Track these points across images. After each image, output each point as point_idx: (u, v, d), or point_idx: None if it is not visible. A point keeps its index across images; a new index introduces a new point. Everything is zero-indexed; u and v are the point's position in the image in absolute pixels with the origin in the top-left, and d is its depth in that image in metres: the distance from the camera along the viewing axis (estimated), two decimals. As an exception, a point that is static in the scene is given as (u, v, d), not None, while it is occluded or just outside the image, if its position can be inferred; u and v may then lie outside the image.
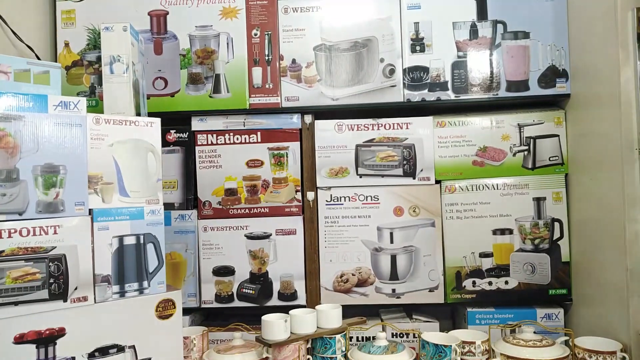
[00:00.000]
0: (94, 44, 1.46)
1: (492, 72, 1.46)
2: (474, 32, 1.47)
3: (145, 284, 1.12)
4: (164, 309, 1.13)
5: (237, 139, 1.48)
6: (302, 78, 1.46)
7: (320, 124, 1.49)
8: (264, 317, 1.19)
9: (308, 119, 1.49)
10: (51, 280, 0.99)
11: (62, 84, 1.16)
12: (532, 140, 1.47)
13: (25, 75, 1.08)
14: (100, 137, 1.09)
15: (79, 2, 1.47)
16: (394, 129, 1.49)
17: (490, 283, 1.47)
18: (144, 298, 1.11)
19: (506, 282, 1.46)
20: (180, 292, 1.17)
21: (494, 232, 1.47)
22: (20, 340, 0.96)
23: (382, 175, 1.48)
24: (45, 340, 0.98)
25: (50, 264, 0.99)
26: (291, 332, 1.19)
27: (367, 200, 1.48)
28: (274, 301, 1.47)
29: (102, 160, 1.09)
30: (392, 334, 1.43)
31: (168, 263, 1.26)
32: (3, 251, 0.95)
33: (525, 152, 1.48)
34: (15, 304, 0.96)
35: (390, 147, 1.48)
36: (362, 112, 1.51)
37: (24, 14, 1.38)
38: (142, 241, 1.12)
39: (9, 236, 0.96)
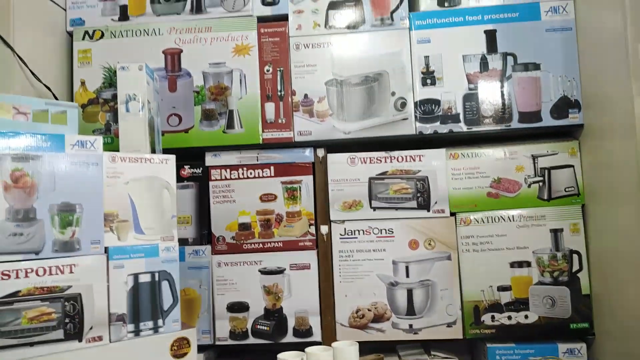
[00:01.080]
0: (109, 82, 1.48)
1: (504, 104, 1.46)
2: (484, 64, 1.48)
3: (160, 322, 1.11)
4: (179, 348, 1.11)
5: (251, 173, 1.48)
6: (315, 112, 1.48)
7: (332, 158, 1.49)
8: (280, 356, 1.16)
9: (321, 152, 1.50)
10: (67, 320, 0.98)
11: (78, 122, 1.17)
12: (546, 171, 1.46)
13: (43, 116, 1.10)
14: (116, 175, 1.10)
15: (95, 42, 1.51)
16: (406, 161, 1.48)
17: (509, 317, 1.43)
18: (158, 337, 1.09)
19: (526, 317, 1.43)
20: (194, 330, 1.15)
21: (512, 264, 1.45)
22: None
23: (396, 208, 1.47)
24: (60, 382, 0.97)
25: (66, 303, 0.99)
26: (308, 371, 1.17)
27: (381, 233, 1.47)
28: (289, 338, 1.44)
29: (118, 198, 1.09)
30: (410, 371, 1.39)
31: (182, 299, 1.24)
32: (19, 291, 0.95)
33: (540, 183, 1.47)
34: (31, 344, 0.95)
35: (404, 179, 1.48)
36: (374, 145, 1.51)
37: (42, 55, 1.41)
38: (157, 278, 1.11)
39: (26, 276, 0.96)
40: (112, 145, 1.43)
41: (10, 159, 0.98)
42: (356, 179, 1.48)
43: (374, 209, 1.48)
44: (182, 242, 1.44)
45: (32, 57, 1.33)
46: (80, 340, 1.00)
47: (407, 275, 1.45)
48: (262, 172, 1.48)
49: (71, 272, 1.00)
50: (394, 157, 1.49)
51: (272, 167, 1.48)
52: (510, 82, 1.47)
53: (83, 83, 1.49)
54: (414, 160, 1.49)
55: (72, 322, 0.99)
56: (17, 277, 0.95)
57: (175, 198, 1.18)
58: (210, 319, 1.45)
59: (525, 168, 1.47)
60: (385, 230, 1.47)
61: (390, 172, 1.49)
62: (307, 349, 1.20)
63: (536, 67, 1.46)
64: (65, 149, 1.04)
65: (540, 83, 1.46)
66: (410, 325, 1.43)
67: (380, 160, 1.49)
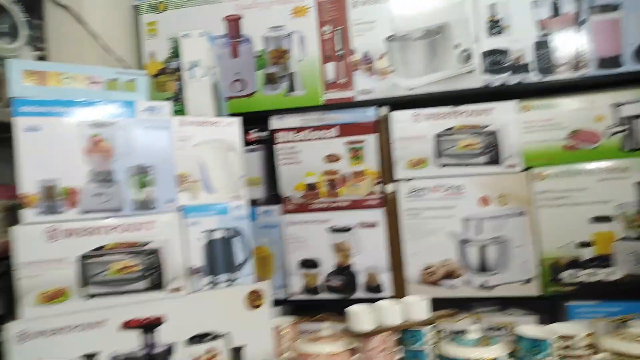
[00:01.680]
0: (176, 52, 1.54)
1: (579, 50, 1.36)
2: (555, 8, 1.38)
3: (234, 275, 1.15)
4: (254, 300, 1.15)
5: (315, 135, 1.49)
6: (375, 70, 1.45)
7: (396, 115, 1.47)
8: (351, 308, 1.18)
9: (383, 111, 1.48)
10: (148, 272, 1.05)
11: (150, 92, 1.23)
12: (630, 119, 1.35)
13: (115, 84, 1.16)
14: (185, 139, 1.15)
15: (160, 14, 1.57)
16: (474, 115, 1.43)
17: (591, 274, 1.36)
18: (234, 289, 1.14)
19: (610, 273, 1.35)
20: (269, 283, 1.19)
21: (593, 220, 1.36)
22: (125, 326, 1.02)
23: (465, 165, 1.42)
24: (147, 327, 1.04)
25: (147, 257, 1.05)
26: (378, 324, 1.17)
27: (450, 190, 1.43)
28: (360, 293, 1.46)
29: (188, 160, 1.14)
30: (485, 328, 1.36)
31: (256, 257, 1.29)
32: (105, 246, 1.02)
33: (623, 133, 1.36)
34: (118, 293, 1.03)
35: (472, 134, 1.42)
36: (439, 100, 1.46)
37: (111, 29, 1.49)
38: (229, 235, 1.16)
39: (110, 232, 1.03)
40: (183, 112, 1.49)
41: (88, 125, 1.05)
42: (421, 136, 1.45)
43: (441, 166, 1.44)
44: (254, 202, 1.50)
45: (103, 31, 1.41)
46: (161, 291, 1.06)
47: (480, 232, 1.41)
48: (326, 133, 1.49)
49: (150, 229, 1.06)
50: (461, 112, 1.44)
51: (335, 128, 1.48)
52: (585, 25, 1.36)
53: (152, 55, 1.56)
54: (482, 114, 1.42)
55: (153, 274, 1.06)
56: (102, 233, 1.03)
57: (242, 159, 1.22)
58: (283, 275, 1.50)
59: (606, 117, 1.37)
60: (454, 187, 1.43)
61: (457, 128, 1.44)
62: (378, 303, 1.21)
63: (614, 7, 1.35)
64: (136, 114, 1.10)
65: (620, 25, 1.34)
66: (484, 282, 1.40)
67: (446, 116, 1.45)
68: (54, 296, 0.99)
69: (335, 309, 1.40)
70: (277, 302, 1.48)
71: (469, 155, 1.43)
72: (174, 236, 1.09)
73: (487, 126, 1.42)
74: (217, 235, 1.14)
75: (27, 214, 0.99)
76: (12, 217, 1.07)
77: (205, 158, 1.17)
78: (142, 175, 1.09)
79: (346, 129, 1.48)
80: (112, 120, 1.07)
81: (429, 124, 1.45)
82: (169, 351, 1.06)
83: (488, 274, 1.40)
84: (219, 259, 1.14)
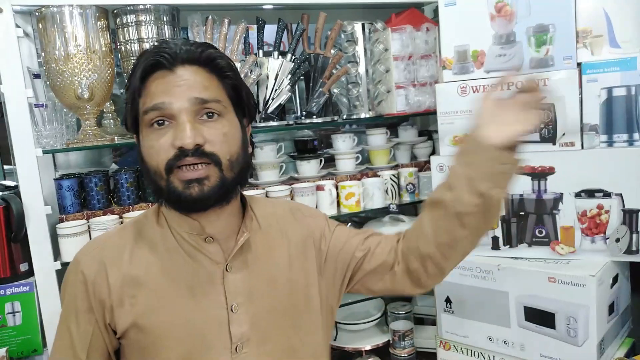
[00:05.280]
0: None
1: None
2: None
3: (635, 135, 1.10)
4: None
5: None
6: None
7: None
8: None
9: None
10: (542, 126, 1.15)
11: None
12: None
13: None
14: (593, -9, 1.11)
15: None
16: None
17: None
18: (633, 150, 1.10)
19: None
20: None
21: None
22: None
23: None
24: (538, 175, 1.17)
25: (541, 111, 1.15)
26: None
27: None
28: None
29: (591, 14, 1.11)
30: None
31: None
32: (504, 100, 1.18)
33: None
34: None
35: None
36: None
37: None
38: (633, 92, 1.09)
39: (508, 88, 1.17)
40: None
41: (496, -7, 1.18)
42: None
43: None
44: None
45: None
46: (554, 144, 1.15)
47: None
48: None
49: (544, 85, 1.14)
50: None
51: None
52: None
53: None
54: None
55: (546, 128, 1.15)
56: (502, 89, 1.18)
57: None
58: None
59: None
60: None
61: None
62: None
63: None
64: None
65: None
66: None
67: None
68: (463, 139, 1.24)
69: None
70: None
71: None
72: (570, 93, 1.13)
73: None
74: (618, 92, 1.10)
75: (446, 74, 1.25)
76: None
77: (612, 9, 1.10)
78: (541, 34, 1.15)
79: None
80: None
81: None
82: (557, 199, 1.16)
83: None
84: (618, 117, 1.10)
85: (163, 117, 0.71)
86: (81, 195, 1.31)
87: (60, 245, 1.21)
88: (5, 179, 1.70)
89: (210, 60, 0.73)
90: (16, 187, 1.22)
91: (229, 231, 0.79)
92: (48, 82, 1.20)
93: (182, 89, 0.70)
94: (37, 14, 1.15)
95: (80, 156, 1.53)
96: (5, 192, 1.20)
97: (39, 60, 1.23)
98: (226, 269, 0.77)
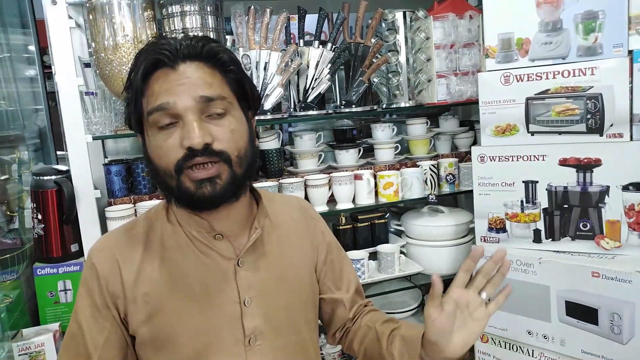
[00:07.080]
0: None
1: None
2: None
3: (690, 127, 1.05)
4: None
5: None
6: None
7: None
8: None
9: None
10: (588, 116, 1.12)
11: None
12: None
13: None
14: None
15: None
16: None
17: None
18: (686, 141, 1.05)
19: None
20: None
21: None
22: (563, 163, 1.15)
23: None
24: (584, 166, 1.14)
25: (588, 101, 1.11)
26: None
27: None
28: None
29: (645, -1, 1.06)
30: None
31: None
32: (549, 90, 1.15)
33: None
34: (559, 133, 1.16)
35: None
36: None
37: None
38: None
39: (554, 77, 1.15)
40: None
41: (543, -22, 1.14)
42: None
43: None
44: None
45: None
46: (601, 135, 1.11)
47: None
48: None
49: (592, 74, 1.10)
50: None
51: None
52: None
53: None
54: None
55: (593, 118, 1.11)
56: (547, 78, 1.15)
57: None
58: None
59: None
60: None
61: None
62: None
63: None
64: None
65: None
66: None
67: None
68: (505, 130, 1.21)
69: None
70: None
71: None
72: (619, 82, 1.08)
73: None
74: (673, 80, 1.05)
75: (489, 63, 1.23)
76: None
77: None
78: (590, 21, 1.11)
79: None
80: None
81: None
82: (604, 192, 1.12)
83: None
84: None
85: (168, 117, 0.69)
86: (128, 180, 1.36)
87: (109, 227, 1.26)
88: (58, 164, 1.78)
89: (212, 55, 0.72)
90: (68, 171, 1.28)
91: (239, 227, 0.79)
92: (98, 71, 1.25)
93: (185, 87, 0.69)
94: (87, 5, 1.20)
95: (128, 143, 1.59)
96: (58, 176, 1.26)
97: (89, 50, 1.29)
98: (238, 264, 0.77)
